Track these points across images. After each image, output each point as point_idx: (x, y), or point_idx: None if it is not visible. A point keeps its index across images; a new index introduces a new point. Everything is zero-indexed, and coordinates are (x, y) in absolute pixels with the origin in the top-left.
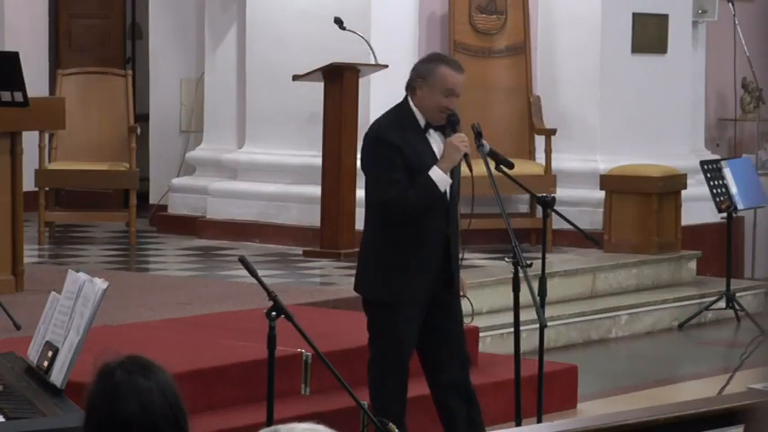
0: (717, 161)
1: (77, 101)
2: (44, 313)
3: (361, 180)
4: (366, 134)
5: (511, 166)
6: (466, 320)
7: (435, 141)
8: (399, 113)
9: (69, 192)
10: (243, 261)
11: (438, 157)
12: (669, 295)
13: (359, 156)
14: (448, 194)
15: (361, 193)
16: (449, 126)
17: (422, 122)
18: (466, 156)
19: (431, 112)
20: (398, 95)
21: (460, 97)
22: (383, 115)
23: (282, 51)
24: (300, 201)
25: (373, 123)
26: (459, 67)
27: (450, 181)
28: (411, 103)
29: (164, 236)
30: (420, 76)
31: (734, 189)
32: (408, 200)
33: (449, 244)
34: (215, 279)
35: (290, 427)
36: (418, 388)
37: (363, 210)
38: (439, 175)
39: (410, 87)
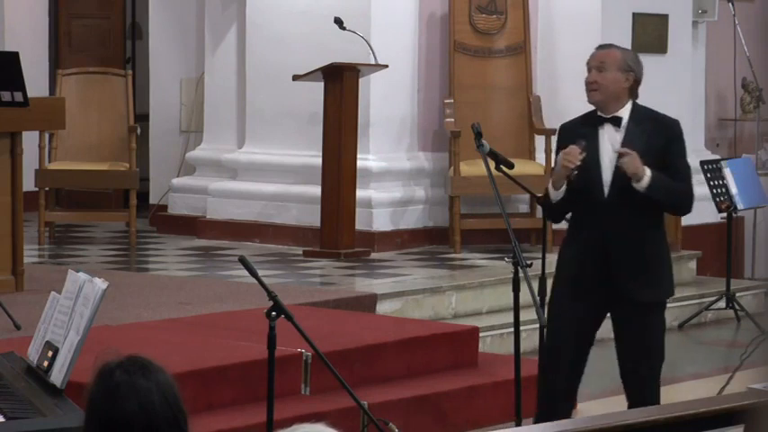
0: (717, 161)
1: (77, 101)
2: (44, 313)
3: (361, 180)
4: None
5: (511, 166)
6: None
7: (608, 134)
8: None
9: (69, 192)
10: (243, 261)
11: (607, 151)
12: None
13: (359, 155)
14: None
15: (361, 193)
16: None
17: (599, 114)
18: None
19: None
20: (398, 95)
21: (461, 97)
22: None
23: (282, 51)
24: (300, 201)
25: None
26: (602, 45)
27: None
28: None
29: (164, 236)
30: None
31: (734, 189)
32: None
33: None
34: (215, 279)
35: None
36: (419, 388)
37: (363, 209)
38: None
39: None
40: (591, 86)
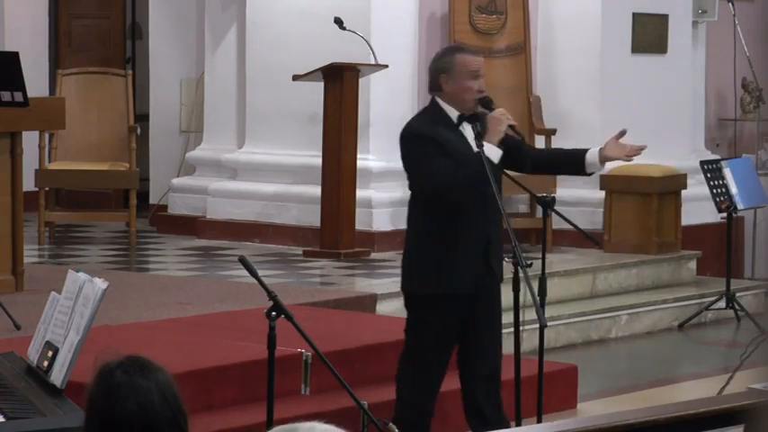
0: (717, 161)
1: (77, 101)
2: (44, 313)
3: (361, 180)
4: (400, 136)
5: None
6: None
7: (468, 134)
8: (430, 113)
9: (69, 192)
10: (243, 261)
11: (473, 147)
12: (669, 295)
13: (359, 155)
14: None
15: (361, 193)
16: (483, 106)
17: (453, 117)
18: (513, 127)
19: (463, 102)
20: (398, 95)
21: None
22: (413, 117)
23: (282, 51)
24: (300, 201)
25: (405, 125)
26: (474, 51)
27: (501, 152)
28: (440, 102)
29: (164, 236)
30: (442, 72)
31: (734, 189)
32: (456, 182)
33: (489, 239)
34: (215, 279)
35: (310, 425)
36: None
37: (363, 209)
38: (489, 148)
39: (435, 87)
40: (479, 94)
